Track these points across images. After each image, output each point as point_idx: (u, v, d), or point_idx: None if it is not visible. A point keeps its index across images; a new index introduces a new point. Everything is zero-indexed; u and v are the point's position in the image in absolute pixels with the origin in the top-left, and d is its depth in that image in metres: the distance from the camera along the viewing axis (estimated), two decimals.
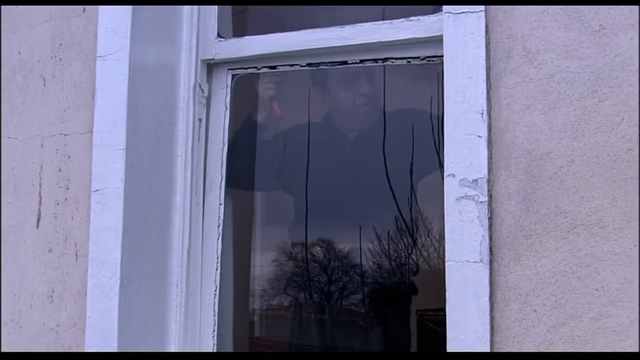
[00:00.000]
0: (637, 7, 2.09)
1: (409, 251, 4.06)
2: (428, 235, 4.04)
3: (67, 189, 2.72)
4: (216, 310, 2.76)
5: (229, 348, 2.89)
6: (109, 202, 2.57)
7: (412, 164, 3.74)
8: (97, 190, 2.60)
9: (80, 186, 2.69)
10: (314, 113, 3.80)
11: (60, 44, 2.81)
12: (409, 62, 2.59)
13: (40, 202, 2.77)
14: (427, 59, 2.55)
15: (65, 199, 2.72)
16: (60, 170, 2.75)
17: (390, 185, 3.82)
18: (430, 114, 3.34)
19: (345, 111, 3.70)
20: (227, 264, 2.89)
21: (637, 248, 2.04)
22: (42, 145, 2.79)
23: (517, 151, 2.18)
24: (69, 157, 2.74)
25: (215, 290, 2.77)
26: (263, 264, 4.16)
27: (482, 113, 2.21)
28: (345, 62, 2.68)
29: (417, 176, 3.73)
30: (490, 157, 2.20)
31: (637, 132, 2.06)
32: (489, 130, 2.21)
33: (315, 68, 2.75)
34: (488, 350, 2.14)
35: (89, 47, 2.73)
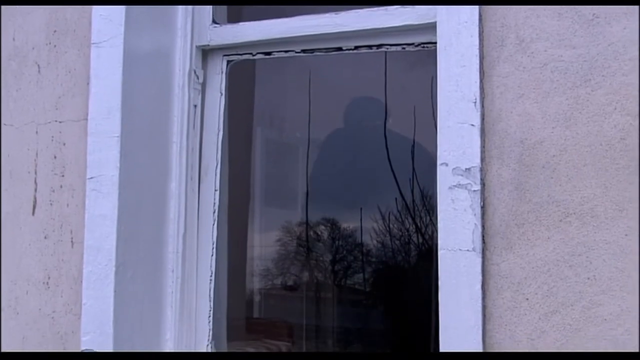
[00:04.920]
0: None
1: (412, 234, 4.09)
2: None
3: (63, 176, 2.73)
4: (212, 295, 2.77)
5: (224, 333, 2.91)
6: (104, 189, 2.58)
7: (413, 146, 3.76)
8: (92, 178, 2.60)
9: (75, 173, 2.70)
10: (315, 97, 3.81)
11: (55, 31, 2.80)
12: (404, 48, 2.59)
13: (35, 189, 2.78)
14: (422, 45, 2.55)
15: (61, 186, 2.73)
16: (55, 157, 2.75)
17: (392, 169, 3.84)
18: (432, 98, 3.36)
19: (347, 96, 3.71)
20: (223, 250, 2.89)
21: (629, 237, 2.05)
22: (37, 132, 2.79)
23: (510, 140, 2.19)
24: (64, 144, 2.74)
25: (211, 276, 2.78)
26: (259, 250, 4.18)
27: (475, 102, 2.21)
28: (340, 49, 2.68)
29: (418, 161, 3.75)
30: (483, 146, 2.21)
31: (630, 121, 2.07)
32: (482, 119, 2.21)
33: (310, 54, 2.74)
34: (480, 340, 2.15)
35: (83, 34, 2.73)
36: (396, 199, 4.07)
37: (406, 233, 4.19)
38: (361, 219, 4.30)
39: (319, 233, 4.37)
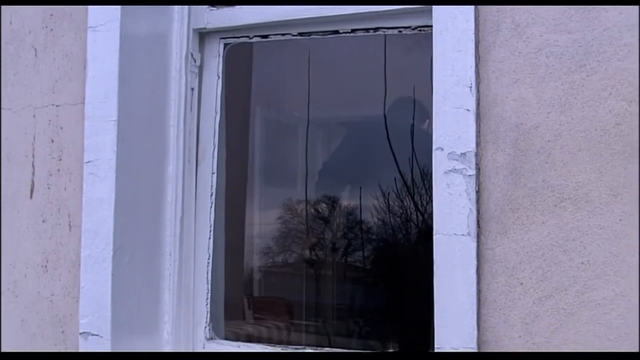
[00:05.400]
0: None
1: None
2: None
3: (60, 160, 2.74)
4: (209, 278, 2.79)
5: (221, 315, 2.93)
6: (101, 173, 2.59)
7: (412, 125, 3.75)
8: (89, 162, 2.61)
9: (72, 157, 2.70)
10: (314, 77, 3.81)
11: (52, 15, 2.80)
12: (400, 31, 2.59)
13: (33, 173, 2.79)
14: (419, 28, 2.54)
15: (58, 170, 2.74)
16: (52, 141, 2.76)
17: (391, 148, 3.85)
18: (431, 81, 3.37)
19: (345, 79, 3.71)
20: (220, 232, 2.90)
21: (623, 222, 2.06)
22: (34, 116, 2.80)
23: (505, 125, 2.19)
24: (61, 128, 2.74)
25: (209, 259, 2.79)
26: (257, 232, 4.18)
27: (471, 87, 2.21)
28: (337, 32, 2.67)
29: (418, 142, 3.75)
30: (478, 131, 2.21)
31: (625, 106, 2.07)
32: (478, 103, 2.22)
33: (307, 37, 2.74)
34: (475, 323, 2.17)
35: (80, 17, 2.72)
36: (395, 178, 4.07)
37: (405, 212, 4.20)
38: (360, 198, 4.31)
39: (320, 210, 4.38)
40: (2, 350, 2.80)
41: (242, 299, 3.89)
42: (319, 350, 2.63)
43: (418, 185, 3.97)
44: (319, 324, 4.27)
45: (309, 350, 2.63)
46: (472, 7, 2.22)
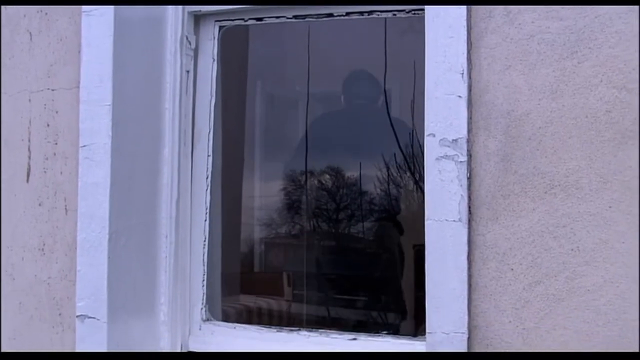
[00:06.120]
0: None
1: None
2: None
3: (56, 144, 2.74)
4: (205, 260, 2.80)
5: (218, 296, 2.95)
6: (96, 157, 2.60)
7: (413, 101, 3.77)
8: (84, 146, 2.62)
9: (68, 141, 2.71)
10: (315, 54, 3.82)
11: None
12: (394, 14, 2.59)
13: (29, 157, 2.80)
14: (413, 12, 2.54)
15: (54, 154, 2.75)
16: (48, 125, 2.76)
17: (391, 124, 3.86)
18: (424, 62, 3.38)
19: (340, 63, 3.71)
20: (217, 214, 2.91)
21: (612, 209, 2.08)
22: (30, 100, 2.80)
23: (496, 111, 2.20)
24: (56, 112, 2.75)
25: (205, 241, 2.80)
26: (257, 207, 4.21)
27: (463, 73, 2.22)
28: (331, 15, 2.67)
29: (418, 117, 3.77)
30: (470, 117, 2.22)
31: (615, 94, 2.07)
32: (469, 90, 2.22)
33: (301, 20, 2.74)
34: (465, 308, 2.19)
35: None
36: (395, 154, 4.10)
37: (404, 187, 4.23)
38: (360, 172, 4.33)
39: (321, 183, 4.41)
40: (2, 336, 2.83)
41: (240, 278, 3.92)
42: (314, 331, 2.65)
43: (418, 159, 3.99)
44: (318, 295, 4.32)
45: (304, 332, 2.65)
46: None
